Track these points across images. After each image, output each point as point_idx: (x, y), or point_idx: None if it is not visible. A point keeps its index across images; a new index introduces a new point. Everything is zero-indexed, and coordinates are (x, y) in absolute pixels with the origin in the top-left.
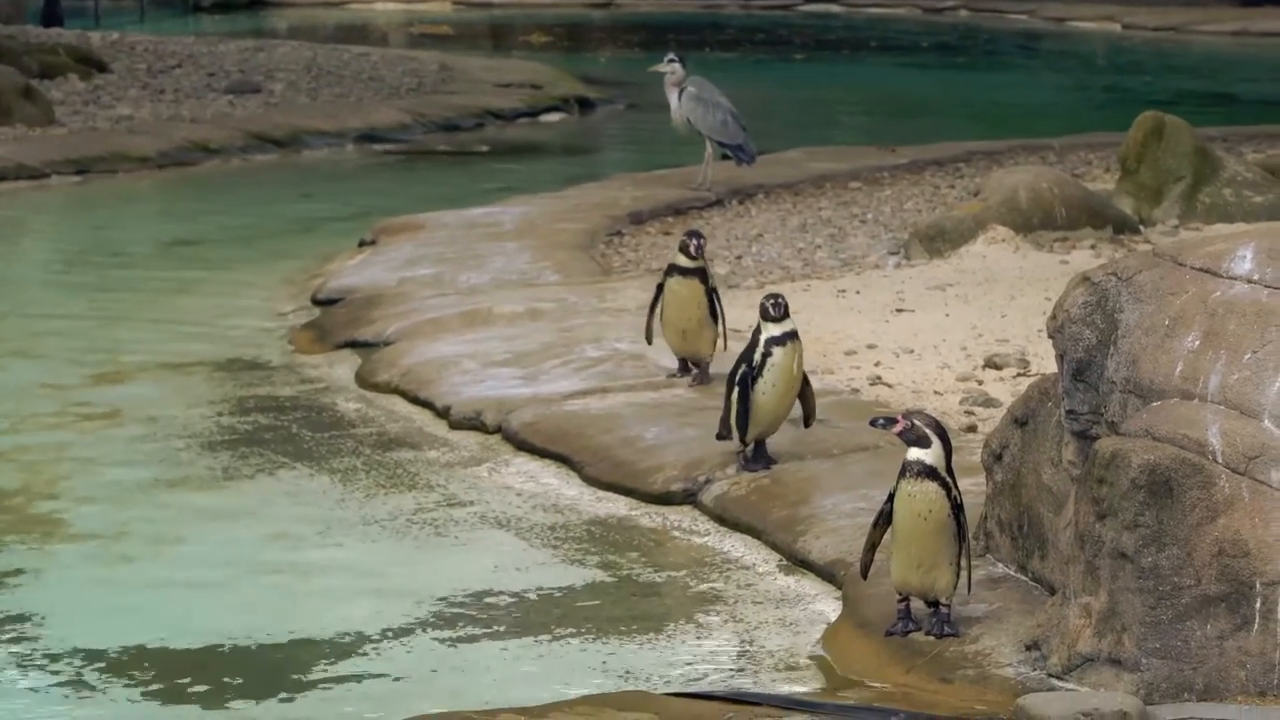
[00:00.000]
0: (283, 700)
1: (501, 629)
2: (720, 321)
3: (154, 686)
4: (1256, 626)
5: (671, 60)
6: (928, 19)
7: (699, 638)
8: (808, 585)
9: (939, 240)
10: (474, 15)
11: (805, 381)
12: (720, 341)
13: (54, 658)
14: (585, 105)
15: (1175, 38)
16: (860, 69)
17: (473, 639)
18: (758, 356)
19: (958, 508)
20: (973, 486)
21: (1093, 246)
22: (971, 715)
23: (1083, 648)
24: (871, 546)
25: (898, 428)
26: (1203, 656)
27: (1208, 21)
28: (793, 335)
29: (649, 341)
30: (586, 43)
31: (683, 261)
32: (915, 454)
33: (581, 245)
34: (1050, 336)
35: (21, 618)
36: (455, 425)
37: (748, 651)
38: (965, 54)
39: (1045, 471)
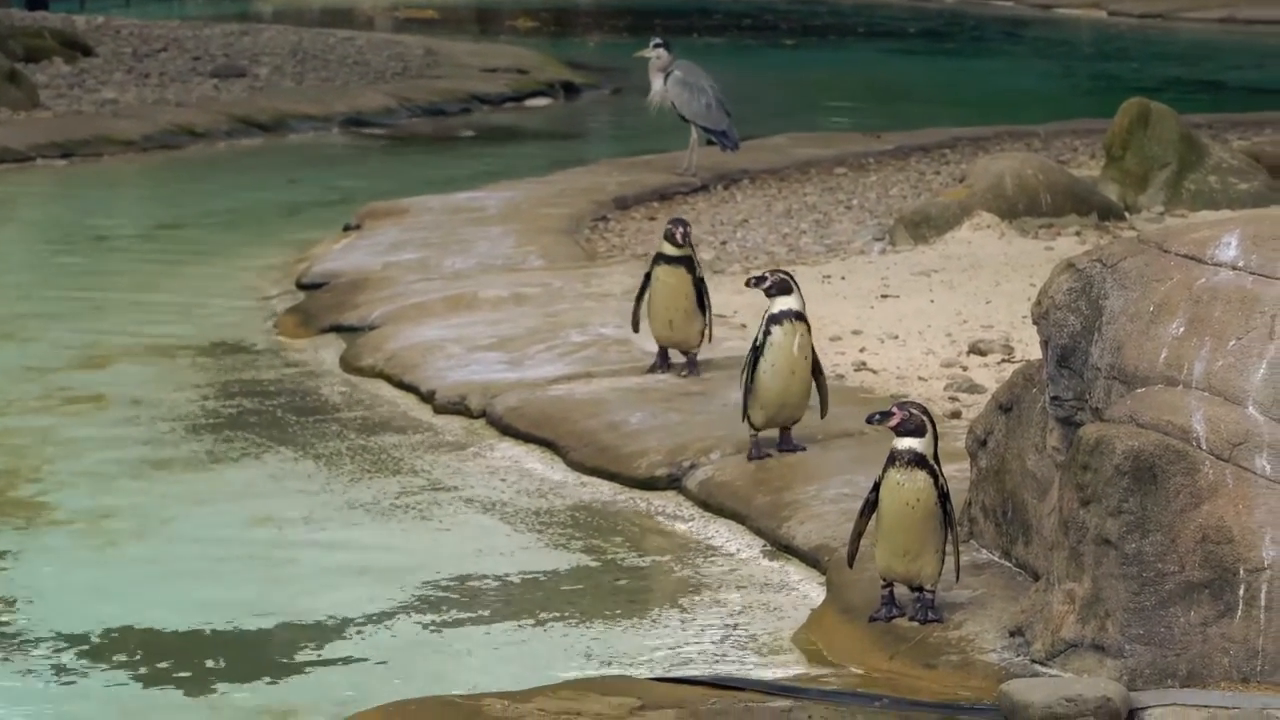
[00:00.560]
0: (266, 683)
1: (486, 613)
2: (707, 311)
3: (137, 669)
4: (1240, 613)
5: (657, 45)
6: (915, 5)
7: (683, 623)
8: (792, 570)
9: (924, 226)
10: None
11: (818, 369)
12: (707, 331)
13: (37, 640)
14: (571, 90)
15: (1161, 24)
16: (847, 55)
17: (457, 623)
18: (760, 334)
19: (944, 495)
20: (957, 472)
21: (1078, 233)
22: (955, 701)
23: (1066, 634)
24: (858, 535)
25: (894, 420)
26: (1186, 643)
27: (1194, 8)
28: (793, 315)
29: (635, 330)
30: (573, 28)
31: (669, 249)
32: (907, 443)
33: (566, 230)
34: (1035, 323)
35: (5, 600)
36: (440, 410)
37: (732, 636)
38: (952, 40)
39: (1029, 457)
